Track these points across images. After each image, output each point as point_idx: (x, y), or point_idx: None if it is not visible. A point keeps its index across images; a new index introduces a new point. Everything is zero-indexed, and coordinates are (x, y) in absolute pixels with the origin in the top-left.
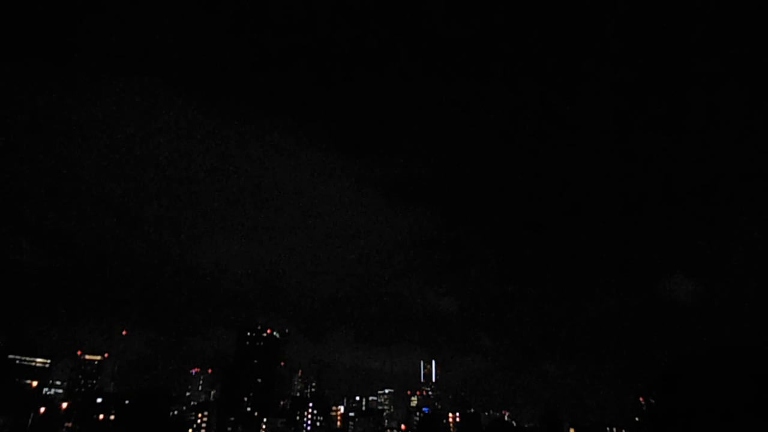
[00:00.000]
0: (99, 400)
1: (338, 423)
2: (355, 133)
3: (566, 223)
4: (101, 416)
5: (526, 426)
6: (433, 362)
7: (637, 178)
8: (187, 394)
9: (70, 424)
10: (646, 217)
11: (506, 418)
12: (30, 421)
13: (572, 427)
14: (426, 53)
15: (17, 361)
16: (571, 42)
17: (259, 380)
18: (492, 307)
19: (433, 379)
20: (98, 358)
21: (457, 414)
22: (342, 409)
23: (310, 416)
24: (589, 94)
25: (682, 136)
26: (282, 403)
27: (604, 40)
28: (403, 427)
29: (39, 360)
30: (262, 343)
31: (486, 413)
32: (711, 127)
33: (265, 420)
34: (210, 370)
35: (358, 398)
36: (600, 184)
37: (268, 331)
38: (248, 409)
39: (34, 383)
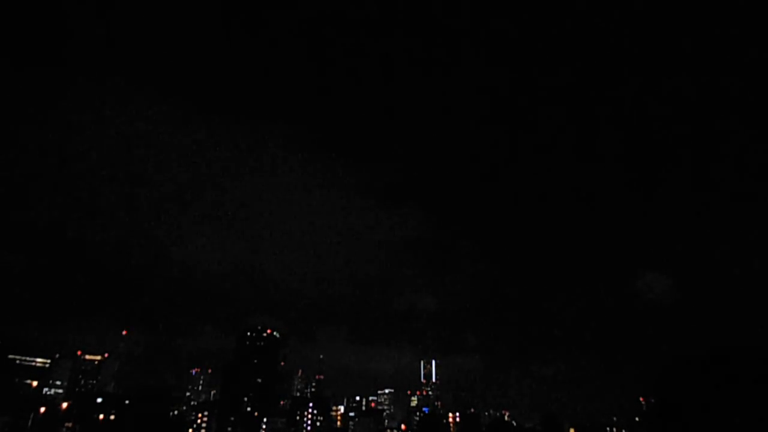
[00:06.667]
0: (99, 400)
1: (338, 423)
2: (342, 137)
3: (548, 223)
4: (101, 416)
5: (526, 426)
6: (433, 362)
7: (614, 175)
8: (187, 394)
9: (70, 424)
10: (622, 214)
11: (506, 418)
12: (30, 421)
13: (572, 427)
14: (414, 58)
15: (17, 361)
16: (556, 44)
17: (259, 380)
18: (478, 307)
19: (433, 379)
20: (98, 358)
21: (457, 414)
22: (342, 409)
23: (310, 416)
24: (566, 94)
25: (657, 131)
26: (282, 403)
27: (592, 39)
28: (403, 427)
29: (39, 360)
30: (262, 343)
31: (486, 413)
32: (685, 122)
33: (265, 420)
34: (210, 370)
35: (358, 398)
36: (579, 183)
37: (268, 331)
38: (248, 409)
39: (34, 383)
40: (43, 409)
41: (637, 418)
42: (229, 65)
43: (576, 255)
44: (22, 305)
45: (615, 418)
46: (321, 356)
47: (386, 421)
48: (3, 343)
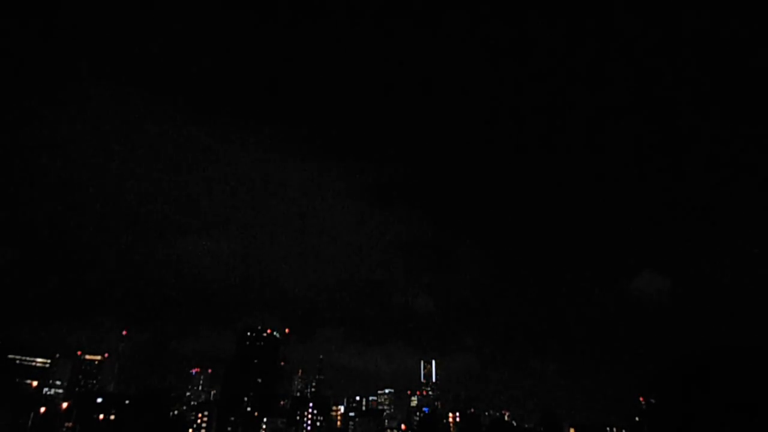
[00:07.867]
0: (99, 400)
1: (338, 423)
2: (340, 139)
3: (546, 222)
4: (101, 416)
5: (526, 426)
6: (433, 362)
7: (612, 175)
8: (187, 394)
9: (70, 424)
10: (620, 214)
11: (506, 418)
12: (30, 421)
13: (572, 427)
14: (410, 58)
15: (17, 361)
16: (555, 45)
17: (259, 380)
18: (476, 307)
19: (433, 379)
20: (98, 358)
21: (457, 414)
22: (342, 409)
23: (310, 416)
24: (565, 94)
25: (656, 131)
26: (282, 403)
27: (586, 41)
28: (403, 427)
29: (39, 360)
30: (262, 343)
31: (486, 413)
32: (684, 122)
33: (265, 420)
34: (210, 370)
35: (358, 398)
36: (577, 183)
37: (268, 331)
38: (248, 409)
39: (34, 383)
40: (43, 409)
41: (637, 418)
42: (225, 68)
43: (575, 254)
44: (22, 305)
45: (615, 418)
46: (321, 356)
47: (386, 421)
48: (3, 343)
